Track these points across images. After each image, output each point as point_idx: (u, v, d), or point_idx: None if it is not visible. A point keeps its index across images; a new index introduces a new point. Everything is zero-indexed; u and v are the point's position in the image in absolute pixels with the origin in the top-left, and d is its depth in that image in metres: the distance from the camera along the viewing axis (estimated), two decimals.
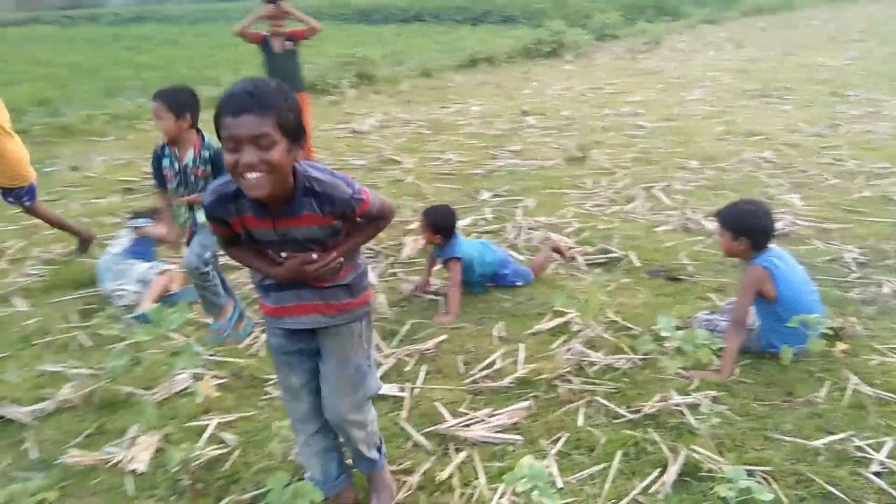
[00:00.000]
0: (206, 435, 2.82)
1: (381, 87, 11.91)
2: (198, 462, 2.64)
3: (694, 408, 2.81)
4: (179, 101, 3.28)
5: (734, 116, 8.50)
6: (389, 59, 14.10)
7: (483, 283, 4.08)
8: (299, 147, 1.82)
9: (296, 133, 1.78)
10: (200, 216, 3.40)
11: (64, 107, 9.78)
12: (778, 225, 3.94)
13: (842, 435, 2.64)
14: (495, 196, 5.88)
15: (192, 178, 3.36)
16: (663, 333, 2.79)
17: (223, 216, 1.92)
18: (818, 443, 2.61)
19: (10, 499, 2.35)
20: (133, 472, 2.61)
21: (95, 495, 2.53)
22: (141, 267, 4.16)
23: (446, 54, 15.22)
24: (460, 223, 4.68)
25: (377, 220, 2.06)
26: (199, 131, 3.37)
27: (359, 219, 2.01)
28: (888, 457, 2.52)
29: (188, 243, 3.52)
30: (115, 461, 2.67)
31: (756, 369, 3.12)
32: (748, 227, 3.11)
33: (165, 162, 3.39)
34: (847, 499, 2.33)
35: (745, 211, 3.16)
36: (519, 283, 4.10)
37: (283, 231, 1.91)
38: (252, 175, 1.72)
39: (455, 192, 6.01)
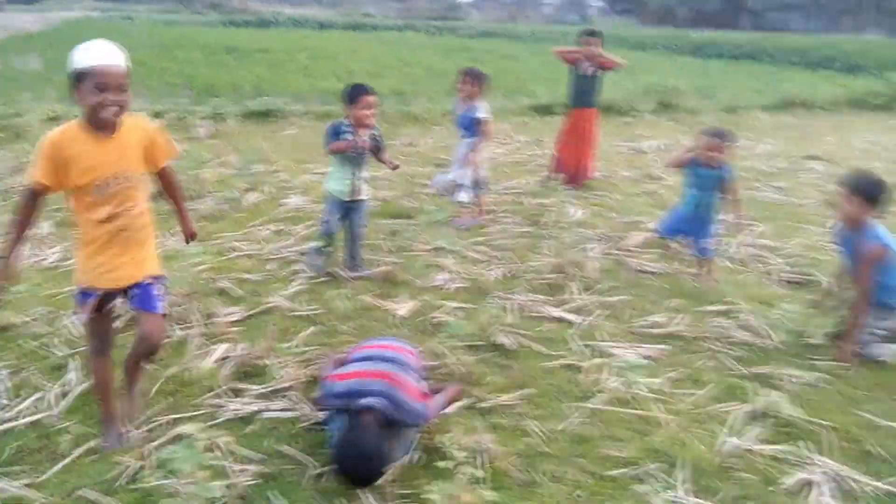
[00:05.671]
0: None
1: (679, 117, 12.64)
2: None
3: (811, 385, 3.52)
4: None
5: None
6: (698, 93, 14.65)
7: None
8: None
9: None
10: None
11: (413, 99, 12.41)
12: None
13: None
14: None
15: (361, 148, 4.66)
16: (779, 313, 3.53)
17: None
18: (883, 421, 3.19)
19: None
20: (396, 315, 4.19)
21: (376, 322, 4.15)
22: None
23: (761, 94, 15.24)
24: None
25: None
26: None
27: None
28: None
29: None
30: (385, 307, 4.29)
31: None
32: None
33: (347, 136, 4.61)
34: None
35: None
36: None
37: None
38: None
39: None
